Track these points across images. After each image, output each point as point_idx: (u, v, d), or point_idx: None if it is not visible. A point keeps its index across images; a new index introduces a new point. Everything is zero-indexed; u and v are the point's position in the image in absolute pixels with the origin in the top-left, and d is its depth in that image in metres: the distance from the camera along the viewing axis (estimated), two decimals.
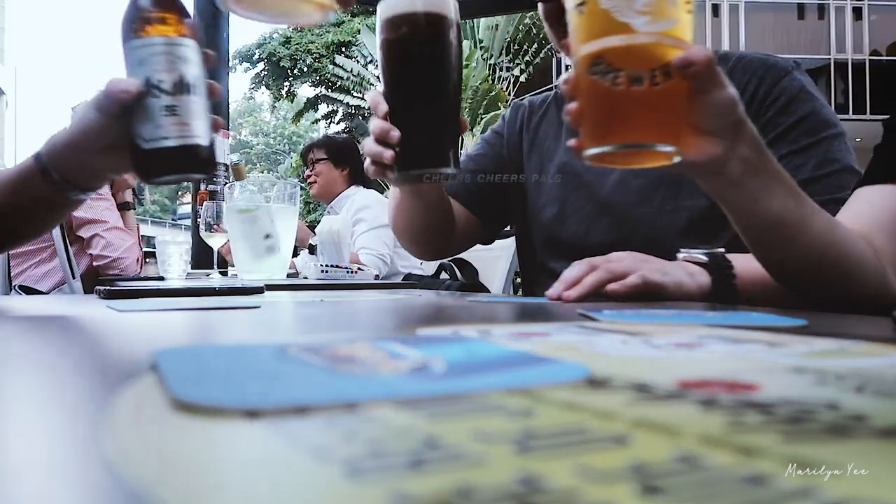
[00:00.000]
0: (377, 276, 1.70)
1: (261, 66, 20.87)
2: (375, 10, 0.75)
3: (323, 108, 18.33)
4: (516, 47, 13.97)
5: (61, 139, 0.71)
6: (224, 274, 1.90)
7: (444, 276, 1.31)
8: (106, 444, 0.14)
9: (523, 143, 1.10)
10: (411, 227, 1.03)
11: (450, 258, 1.21)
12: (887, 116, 0.78)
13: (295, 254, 1.81)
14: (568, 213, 0.99)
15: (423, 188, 0.92)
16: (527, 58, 13.77)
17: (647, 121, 0.53)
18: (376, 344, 0.28)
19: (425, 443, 0.14)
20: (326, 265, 1.41)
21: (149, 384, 0.21)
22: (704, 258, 0.76)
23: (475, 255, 1.24)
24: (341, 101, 16.42)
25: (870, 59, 14.78)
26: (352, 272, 1.39)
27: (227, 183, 3.41)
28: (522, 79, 14.11)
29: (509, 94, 13.87)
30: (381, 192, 2.54)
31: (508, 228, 1.31)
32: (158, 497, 0.11)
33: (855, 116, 14.29)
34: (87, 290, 1.96)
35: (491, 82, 13.35)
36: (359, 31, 16.61)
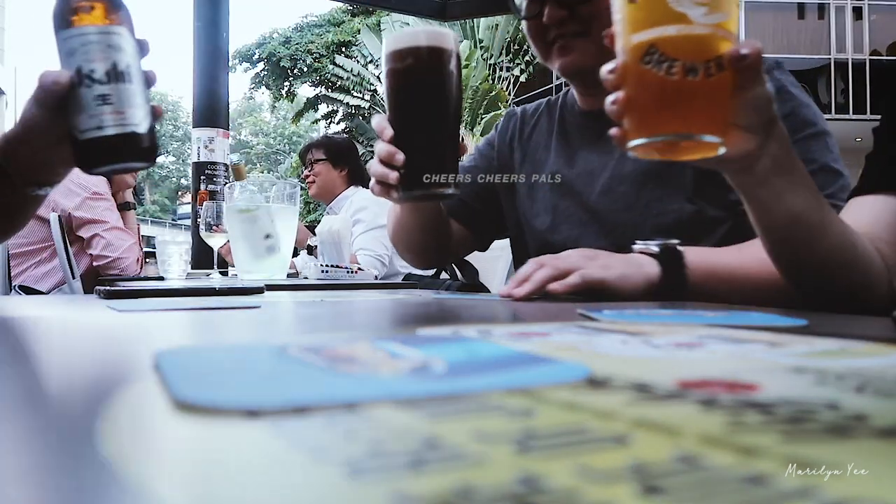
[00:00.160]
0: (376, 277, 1.70)
1: (261, 66, 20.88)
2: (375, 11, 0.77)
3: (323, 108, 18.33)
4: (516, 47, 13.97)
5: (10, 135, 0.71)
6: (224, 274, 1.90)
7: (444, 276, 1.31)
8: (106, 445, 0.14)
9: (515, 153, 1.11)
10: (409, 239, 1.08)
11: None
12: (878, 117, 0.78)
13: (294, 254, 1.81)
14: (560, 220, 1.01)
15: (422, 206, 0.99)
16: (527, 58, 13.77)
17: (700, 112, 0.52)
18: (376, 344, 0.28)
19: (425, 443, 0.14)
20: (326, 265, 1.41)
21: (149, 384, 0.21)
22: (656, 249, 0.77)
23: (475, 255, 1.24)
24: (341, 101, 16.42)
25: (870, 59, 14.78)
26: (352, 272, 1.39)
27: (227, 183, 3.42)
28: (522, 79, 14.12)
29: (509, 94, 13.88)
30: None
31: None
32: (159, 497, 0.11)
33: (855, 116, 14.29)
34: (88, 290, 1.96)
35: (491, 82, 13.35)
36: (359, 31, 16.62)
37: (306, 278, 1.43)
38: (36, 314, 0.54)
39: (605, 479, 0.12)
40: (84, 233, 2.01)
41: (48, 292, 1.95)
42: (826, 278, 0.65)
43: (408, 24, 13.80)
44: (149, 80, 0.71)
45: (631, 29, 0.53)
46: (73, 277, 1.90)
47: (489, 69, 13.83)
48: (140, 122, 0.68)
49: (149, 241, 9.01)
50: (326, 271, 1.38)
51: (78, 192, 2.00)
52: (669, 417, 0.16)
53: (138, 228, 2.33)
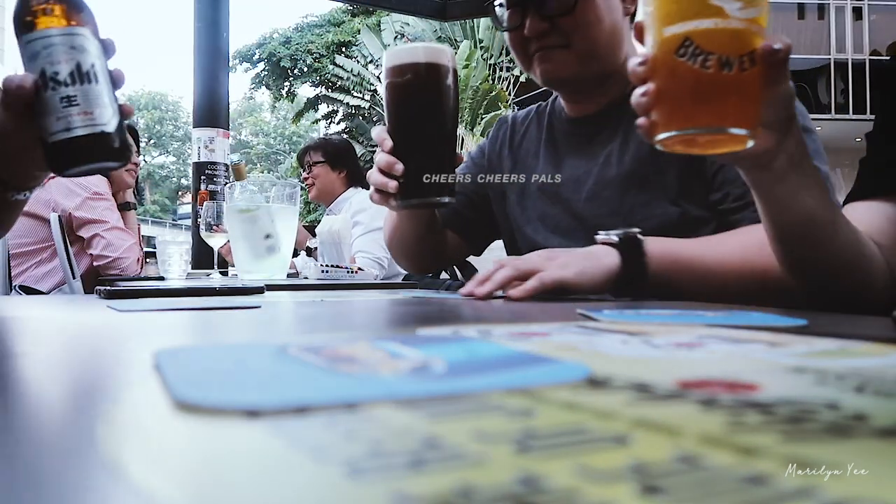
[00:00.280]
0: (376, 278, 1.70)
1: (261, 66, 20.88)
2: (375, 11, 0.79)
3: (323, 109, 18.34)
4: None
5: None
6: (224, 274, 1.90)
7: (444, 276, 1.32)
8: (106, 445, 0.14)
9: (505, 161, 1.12)
10: (405, 245, 1.11)
11: None
12: (872, 118, 0.78)
13: (294, 255, 1.81)
14: (549, 227, 1.02)
15: (418, 213, 1.02)
16: None
17: (733, 106, 0.52)
18: (376, 344, 0.28)
19: (425, 443, 0.14)
20: (326, 265, 1.41)
21: (149, 384, 0.21)
22: (616, 238, 0.78)
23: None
24: (341, 102, 16.42)
25: (870, 59, 14.78)
26: (352, 272, 1.39)
27: (227, 183, 3.42)
28: (522, 79, 14.11)
29: (509, 94, 13.88)
30: None
31: None
32: (159, 497, 0.11)
33: (855, 116, 14.29)
34: (88, 290, 1.96)
35: (491, 82, 13.35)
36: (359, 31, 16.61)
37: (306, 278, 1.43)
38: (36, 314, 0.54)
39: (605, 479, 0.12)
40: (84, 233, 2.01)
41: (48, 292, 1.95)
42: (834, 278, 0.66)
43: (408, 24, 13.80)
44: (116, 80, 0.70)
45: (664, 21, 0.53)
46: (74, 277, 1.90)
47: (489, 69, 13.83)
48: (108, 122, 0.67)
49: (149, 241, 9.01)
50: (326, 271, 1.38)
51: (78, 192, 2.00)
52: (669, 417, 0.16)
53: (139, 228, 2.33)
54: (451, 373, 0.22)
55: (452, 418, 0.16)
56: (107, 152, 0.68)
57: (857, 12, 15.08)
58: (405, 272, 2.20)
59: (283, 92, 20.50)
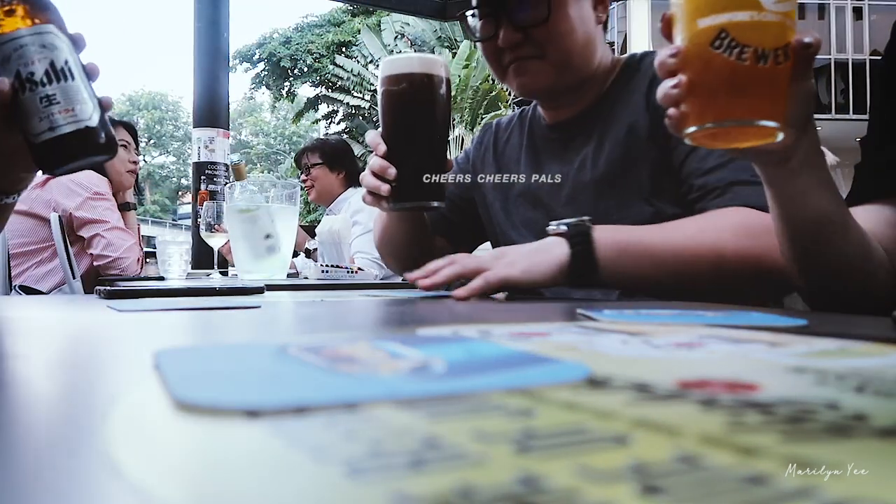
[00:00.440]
0: (376, 277, 1.70)
1: (261, 66, 20.89)
2: (375, 11, 0.80)
3: (323, 109, 18.34)
4: None
5: None
6: (224, 274, 1.90)
7: None
8: (106, 445, 0.14)
9: (488, 166, 1.13)
10: (394, 247, 1.12)
11: None
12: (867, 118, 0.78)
13: (293, 255, 1.81)
14: (534, 232, 1.03)
15: (408, 216, 1.05)
16: None
17: (767, 99, 0.52)
18: (376, 344, 0.28)
19: (425, 443, 0.14)
20: (327, 265, 1.41)
21: (149, 384, 0.21)
22: (565, 228, 0.79)
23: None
24: (341, 102, 16.42)
25: (870, 59, 14.78)
26: (352, 272, 1.39)
27: (227, 183, 3.42)
28: None
29: (509, 94, 13.86)
30: None
31: None
32: (159, 497, 0.11)
33: (855, 116, 14.29)
34: (88, 290, 1.96)
35: (491, 82, 13.34)
36: (359, 31, 16.61)
37: (306, 278, 1.43)
38: (36, 314, 0.54)
39: (605, 479, 0.12)
40: (85, 233, 2.01)
41: (48, 292, 1.95)
42: (842, 277, 0.66)
43: (408, 24, 13.80)
44: (90, 74, 0.70)
45: (698, 13, 0.53)
46: (74, 277, 1.90)
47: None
48: (91, 116, 0.68)
49: (149, 241, 9.01)
50: (326, 271, 1.38)
51: (79, 192, 2.00)
52: (669, 417, 0.16)
53: (139, 228, 2.33)
54: (451, 373, 0.22)
55: (452, 418, 0.16)
56: (94, 147, 0.68)
57: (858, 12, 15.08)
58: None
59: (283, 92, 20.51)
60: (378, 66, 0.93)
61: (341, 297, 0.75)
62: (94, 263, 2.04)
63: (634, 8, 17.28)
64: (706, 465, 0.13)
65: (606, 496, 0.11)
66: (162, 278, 1.76)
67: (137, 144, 2.34)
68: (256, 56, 21.06)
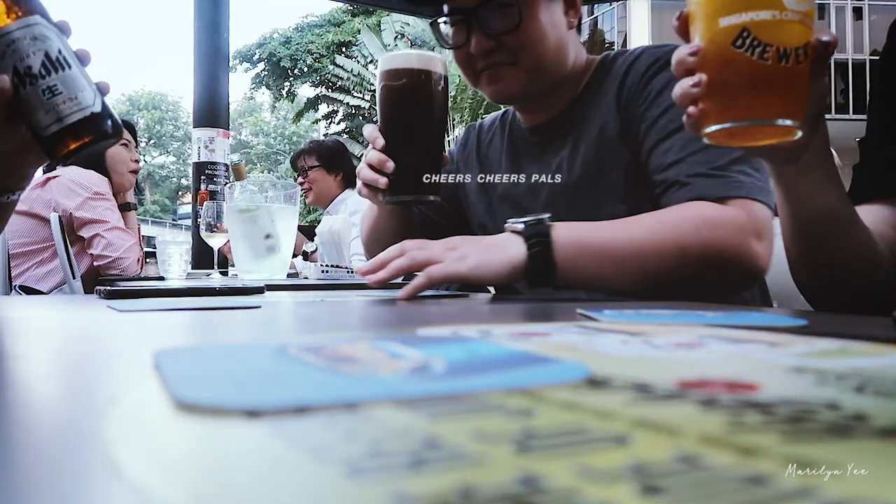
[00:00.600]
0: None
1: (261, 66, 20.89)
2: (375, 11, 0.81)
3: (323, 109, 18.34)
4: None
5: None
6: (224, 274, 1.90)
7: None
8: (106, 445, 0.14)
9: (472, 168, 1.14)
10: (381, 242, 1.12)
11: None
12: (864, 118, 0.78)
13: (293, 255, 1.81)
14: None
15: (398, 213, 1.06)
16: None
17: (789, 98, 0.53)
18: (376, 344, 0.28)
19: (425, 443, 0.14)
20: (327, 265, 1.41)
21: (149, 384, 0.21)
22: (521, 226, 0.77)
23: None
24: (341, 102, 16.42)
25: (869, 60, 14.77)
26: (352, 272, 1.39)
27: (227, 183, 3.42)
28: None
29: None
30: None
31: None
32: (159, 497, 0.11)
33: (855, 116, 14.29)
34: (88, 290, 1.96)
35: None
36: (359, 31, 16.61)
37: (306, 278, 1.43)
38: (36, 314, 0.54)
39: (605, 479, 0.12)
40: (85, 233, 2.01)
41: (49, 292, 1.95)
42: (846, 276, 0.66)
43: (408, 24, 13.80)
44: (83, 59, 0.71)
45: (720, 12, 0.53)
46: (74, 277, 1.90)
47: None
48: (94, 102, 0.68)
49: (149, 241, 9.00)
50: (326, 271, 1.38)
51: (79, 192, 2.00)
52: (669, 417, 0.16)
53: (139, 228, 2.33)
54: (451, 373, 0.22)
55: (452, 418, 0.16)
56: (102, 131, 0.69)
57: (858, 12, 15.08)
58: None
59: (283, 92, 20.51)
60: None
61: (341, 297, 0.75)
62: (95, 263, 2.04)
63: (634, 8, 17.28)
64: (706, 465, 0.13)
65: (606, 496, 0.11)
66: (162, 278, 1.76)
67: (137, 144, 2.34)
68: (256, 56, 21.08)
